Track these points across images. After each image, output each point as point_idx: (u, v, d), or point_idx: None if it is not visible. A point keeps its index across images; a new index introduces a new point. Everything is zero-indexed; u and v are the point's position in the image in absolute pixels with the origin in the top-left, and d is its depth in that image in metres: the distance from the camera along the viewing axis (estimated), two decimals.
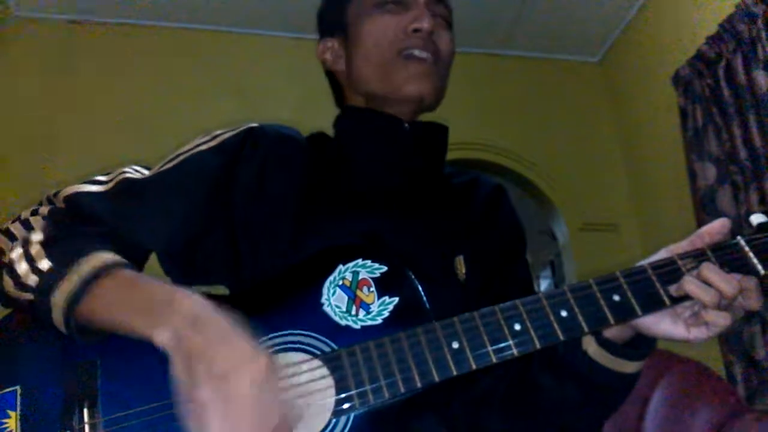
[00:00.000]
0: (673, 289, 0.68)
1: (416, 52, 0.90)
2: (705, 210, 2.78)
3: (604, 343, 0.73)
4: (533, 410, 0.82)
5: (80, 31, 3.37)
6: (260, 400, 0.58)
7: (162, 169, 0.86)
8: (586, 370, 0.74)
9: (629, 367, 0.74)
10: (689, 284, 0.66)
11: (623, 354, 0.73)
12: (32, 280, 0.70)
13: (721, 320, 0.67)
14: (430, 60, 0.90)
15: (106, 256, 0.72)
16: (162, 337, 0.63)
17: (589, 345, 0.74)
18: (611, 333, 0.73)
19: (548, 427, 0.83)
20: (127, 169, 0.86)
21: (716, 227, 0.72)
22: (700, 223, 2.79)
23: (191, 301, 0.65)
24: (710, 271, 0.67)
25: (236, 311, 0.70)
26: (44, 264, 0.71)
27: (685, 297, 0.68)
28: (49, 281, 0.70)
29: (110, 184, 0.83)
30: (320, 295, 0.71)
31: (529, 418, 0.83)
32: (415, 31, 0.90)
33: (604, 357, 0.73)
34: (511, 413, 0.84)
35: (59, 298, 0.69)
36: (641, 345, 0.74)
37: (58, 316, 0.69)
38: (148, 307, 0.66)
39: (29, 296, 0.71)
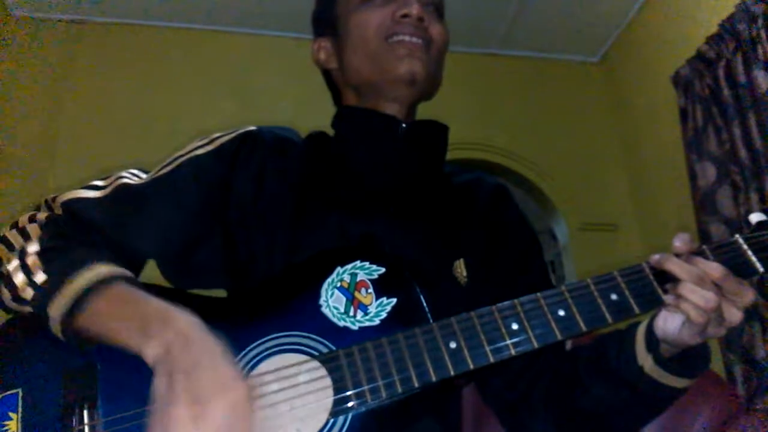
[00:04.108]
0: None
1: (406, 38, 0.88)
2: (705, 210, 2.77)
3: (661, 361, 0.73)
4: (579, 413, 0.82)
5: (80, 31, 3.37)
6: (231, 428, 0.58)
7: (159, 173, 0.85)
8: (640, 383, 0.74)
9: (683, 383, 0.74)
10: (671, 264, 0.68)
11: (679, 372, 0.73)
12: (28, 293, 0.71)
13: (695, 298, 0.66)
14: (421, 44, 0.89)
15: (102, 269, 0.71)
16: (152, 351, 0.63)
17: (645, 361, 0.73)
18: (664, 349, 0.73)
19: (590, 429, 0.83)
20: (124, 174, 0.85)
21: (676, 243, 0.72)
22: (700, 223, 2.79)
23: (184, 320, 0.65)
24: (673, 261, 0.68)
25: (235, 312, 0.70)
26: (40, 277, 0.71)
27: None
28: (44, 295, 0.70)
29: (107, 190, 0.83)
30: (318, 296, 0.71)
31: (574, 420, 0.83)
32: (404, 17, 0.89)
33: (660, 374, 0.73)
34: (558, 415, 0.84)
35: (55, 312, 0.69)
36: (693, 360, 0.74)
37: (55, 328, 0.70)
38: (142, 324, 0.66)
39: (27, 309, 0.71)
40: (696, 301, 0.66)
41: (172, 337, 0.63)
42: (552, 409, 0.84)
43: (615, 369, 0.76)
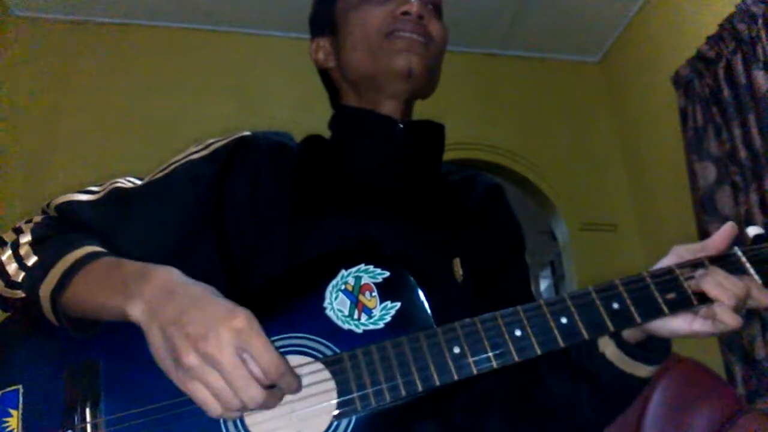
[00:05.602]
0: (692, 284, 0.69)
1: (406, 34, 0.89)
2: (705, 210, 2.78)
3: (623, 346, 0.73)
4: (538, 413, 0.82)
5: (80, 31, 3.37)
6: (248, 350, 0.58)
7: (153, 178, 0.86)
8: (601, 372, 0.74)
9: (644, 371, 0.74)
10: (711, 287, 0.67)
11: (641, 358, 0.73)
12: (21, 277, 0.72)
13: (732, 321, 0.67)
14: (421, 41, 0.89)
15: (92, 248, 0.73)
16: (135, 311, 0.63)
17: (607, 346, 0.74)
18: (626, 334, 0.73)
19: (551, 430, 0.83)
20: (119, 180, 0.86)
21: (723, 234, 0.72)
22: (700, 223, 2.79)
23: (164, 273, 0.66)
24: (719, 275, 0.68)
25: None
26: (31, 261, 0.73)
27: (684, 304, 0.69)
28: (35, 275, 0.71)
29: (101, 194, 0.84)
30: (323, 299, 0.71)
31: (532, 420, 0.83)
32: (404, 14, 0.89)
33: (622, 360, 0.73)
34: (514, 416, 0.84)
35: (45, 289, 0.70)
36: (655, 347, 0.74)
37: (47, 308, 0.70)
38: (124, 284, 0.66)
39: (20, 293, 0.72)
40: (730, 322, 0.67)
41: (150, 292, 0.63)
42: (510, 409, 0.84)
43: (575, 359, 0.76)
